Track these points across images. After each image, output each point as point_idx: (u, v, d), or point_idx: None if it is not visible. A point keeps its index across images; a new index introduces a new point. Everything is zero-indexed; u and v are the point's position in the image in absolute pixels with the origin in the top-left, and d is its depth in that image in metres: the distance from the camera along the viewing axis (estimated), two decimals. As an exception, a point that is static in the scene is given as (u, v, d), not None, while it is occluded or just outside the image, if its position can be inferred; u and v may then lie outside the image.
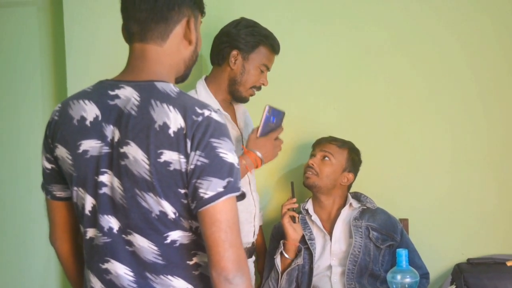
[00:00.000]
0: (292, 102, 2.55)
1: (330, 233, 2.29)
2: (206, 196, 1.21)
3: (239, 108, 2.26)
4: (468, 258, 2.45)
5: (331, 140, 2.35)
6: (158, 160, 1.23)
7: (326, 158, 2.30)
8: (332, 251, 2.26)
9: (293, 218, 2.24)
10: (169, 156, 1.22)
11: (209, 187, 1.21)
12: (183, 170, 1.22)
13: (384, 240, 2.24)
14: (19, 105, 2.57)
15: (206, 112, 1.24)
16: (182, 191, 1.24)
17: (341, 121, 2.55)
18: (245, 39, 2.10)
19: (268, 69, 2.17)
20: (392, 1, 2.52)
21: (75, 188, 1.34)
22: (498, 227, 2.51)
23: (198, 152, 1.21)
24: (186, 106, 1.24)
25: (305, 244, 2.26)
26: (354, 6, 2.53)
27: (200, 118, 1.23)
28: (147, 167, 1.23)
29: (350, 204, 2.32)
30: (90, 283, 1.35)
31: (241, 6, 2.51)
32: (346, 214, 2.30)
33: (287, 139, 2.56)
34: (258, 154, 2.01)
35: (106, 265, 1.31)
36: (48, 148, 1.39)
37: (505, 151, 2.51)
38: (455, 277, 2.37)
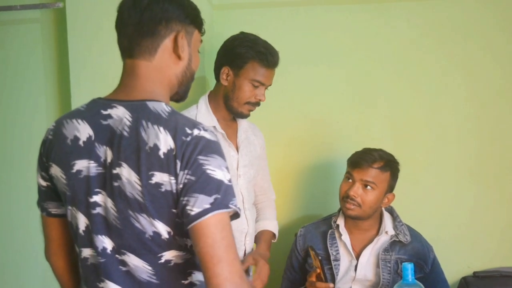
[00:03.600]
0: (297, 116, 2.56)
1: (358, 256, 2.13)
2: (192, 213, 1.20)
3: (242, 124, 2.22)
4: (474, 271, 2.45)
5: (371, 162, 2.08)
6: (150, 181, 1.23)
7: (369, 187, 2.08)
8: (356, 277, 2.11)
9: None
10: (160, 177, 1.22)
11: (195, 203, 1.20)
12: (174, 191, 1.22)
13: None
14: (24, 122, 2.57)
15: (196, 131, 1.24)
16: (175, 211, 1.24)
17: (346, 134, 2.55)
18: (236, 55, 2.04)
19: (262, 84, 2.07)
20: (397, 16, 2.53)
21: (69, 207, 1.34)
22: (504, 240, 2.49)
23: (186, 171, 1.21)
24: (176, 127, 1.24)
25: (329, 264, 2.13)
26: (360, 20, 2.54)
27: (189, 138, 1.23)
28: (140, 188, 1.24)
29: (386, 232, 2.14)
30: None
31: (246, 22, 2.47)
32: (378, 241, 2.15)
33: (293, 155, 2.58)
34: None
35: (102, 285, 1.31)
36: (43, 166, 1.39)
37: (511, 166, 2.51)
38: (461, 291, 2.37)
